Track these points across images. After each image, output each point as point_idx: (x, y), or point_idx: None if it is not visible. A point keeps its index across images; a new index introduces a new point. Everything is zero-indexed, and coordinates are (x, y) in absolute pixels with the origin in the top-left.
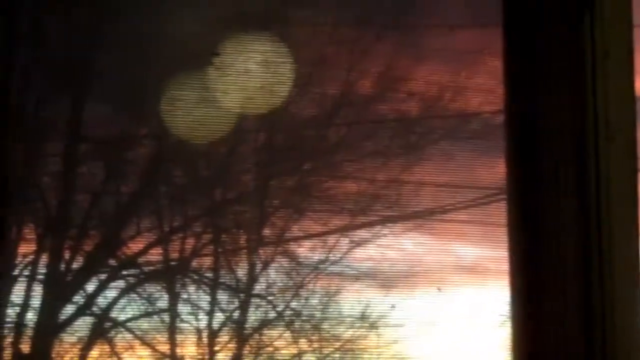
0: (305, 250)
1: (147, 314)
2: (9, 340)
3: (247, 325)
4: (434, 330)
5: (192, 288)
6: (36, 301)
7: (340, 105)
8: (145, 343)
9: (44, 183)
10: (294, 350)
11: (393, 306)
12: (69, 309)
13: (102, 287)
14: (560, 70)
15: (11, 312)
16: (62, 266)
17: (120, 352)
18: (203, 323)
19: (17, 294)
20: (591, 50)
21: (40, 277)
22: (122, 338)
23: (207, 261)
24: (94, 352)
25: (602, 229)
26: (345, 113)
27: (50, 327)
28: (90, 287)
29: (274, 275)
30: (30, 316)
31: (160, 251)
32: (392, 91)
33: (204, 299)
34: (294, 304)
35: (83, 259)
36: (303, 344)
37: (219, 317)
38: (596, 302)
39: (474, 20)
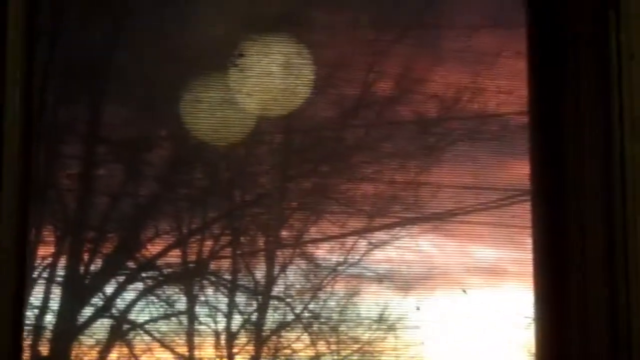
0: (323, 252)
1: (165, 316)
2: (28, 342)
3: (265, 328)
4: (453, 332)
5: (210, 290)
6: (55, 303)
7: (359, 106)
8: (163, 345)
9: (63, 185)
10: (311, 353)
11: (418, 308)
12: (88, 311)
13: (120, 289)
14: (585, 71)
15: (30, 315)
16: (81, 268)
17: (138, 354)
18: (221, 325)
19: (36, 296)
20: (616, 51)
21: (59, 279)
22: (140, 340)
23: (226, 263)
24: (113, 355)
25: (627, 230)
26: (364, 114)
27: (69, 330)
28: (109, 289)
29: (292, 277)
30: (49, 318)
31: (179, 253)
32: (411, 92)
33: (222, 301)
34: (312, 306)
35: (102, 261)
36: (321, 346)
37: (237, 319)
38: (621, 303)
39: (494, 21)
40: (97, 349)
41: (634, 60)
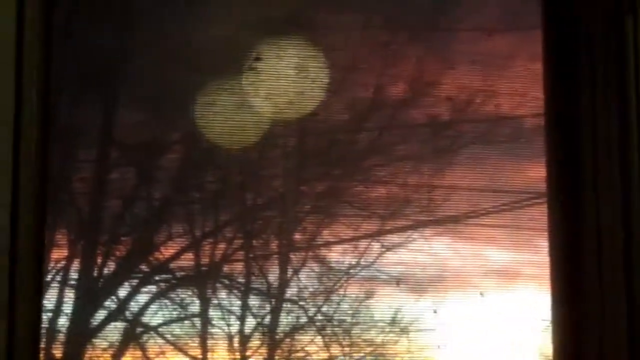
0: (336, 255)
1: (178, 319)
2: (41, 346)
3: (278, 330)
4: (468, 335)
5: (223, 293)
6: (68, 307)
7: (372, 109)
8: (177, 348)
9: (76, 188)
10: (325, 355)
11: (435, 311)
12: (101, 315)
13: (134, 292)
14: (601, 72)
15: (44, 318)
16: (94, 272)
17: (152, 357)
18: (234, 328)
19: (49, 299)
20: (634, 53)
21: (73, 282)
22: (154, 343)
23: (239, 266)
24: (126, 358)
25: None
26: (377, 117)
27: (82, 333)
28: (122, 292)
29: (305, 280)
30: (63, 322)
31: (192, 256)
32: (424, 95)
33: (235, 304)
34: (325, 309)
35: (115, 265)
36: (334, 348)
37: (251, 322)
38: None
39: (508, 23)
40: (110, 352)
41: None
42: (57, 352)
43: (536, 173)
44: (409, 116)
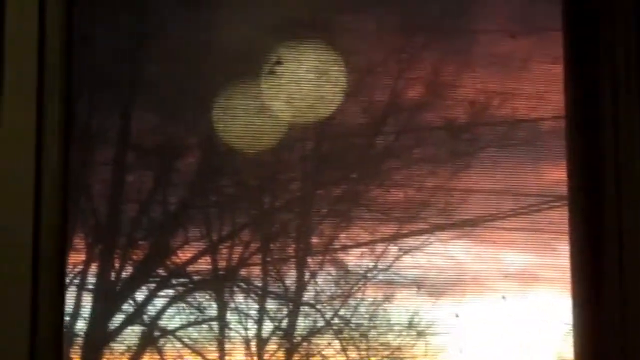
0: (353, 259)
1: (196, 323)
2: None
3: (295, 334)
4: (487, 339)
5: (240, 297)
6: (86, 310)
7: (389, 112)
8: (194, 352)
9: (93, 192)
10: (342, 359)
11: (457, 315)
12: (119, 318)
13: (151, 296)
14: (623, 75)
15: None
16: (112, 275)
17: None
18: (252, 332)
19: (67, 303)
20: None
21: (90, 286)
22: (171, 347)
23: (256, 270)
24: None
25: None
26: (394, 120)
27: (100, 336)
28: (140, 296)
29: (322, 284)
30: (80, 325)
31: (209, 260)
32: (441, 98)
33: (252, 308)
34: (342, 312)
35: (132, 268)
36: (352, 352)
37: (268, 325)
38: None
39: (525, 25)
40: (128, 355)
41: None
42: (75, 355)
43: (553, 176)
44: (426, 119)
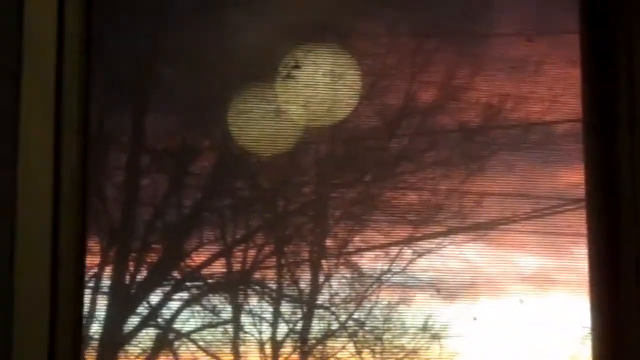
0: (367, 261)
1: (210, 326)
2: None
3: (310, 337)
4: (503, 342)
5: (255, 299)
6: (101, 313)
7: (402, 115)
8: (209, 354)
9: (108, 195)
10: None
11: (475, 318)
12: (134, 321)
13: (166, 298)
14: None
15: None
16: (127, 278)
17: None
18: (266, 334)
19: None
20: None
21: (105, 289)
22: (186, 349)
23: (270, 272)
24: None
25: None
26: (408, 123)
27: (115, 339)
28: (155, 298)
29: (336, 286)
30: (95, 328)
31: (224, 263)
32: (454, 101)
33: (267, 310)
34: (356, 315)
35: (147, 271)
36: (366, 354)
37: (282, 328)
38: None
39: (540, 28)
40: (143, 358)
41: None
42: (91, 358)
43: (567, 179)
44: (439, 122)
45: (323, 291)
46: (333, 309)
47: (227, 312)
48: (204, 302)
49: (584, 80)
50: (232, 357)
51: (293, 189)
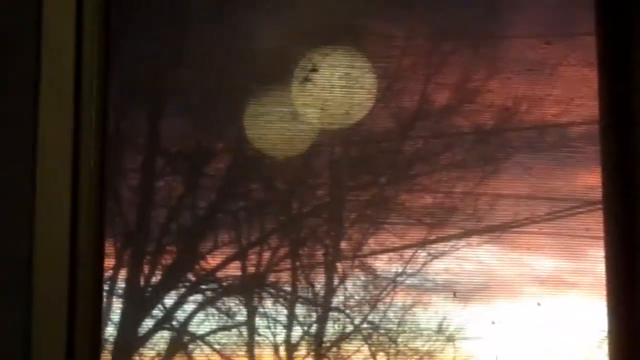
0: (382, 264)
1: (225, 328)
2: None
3: (324, 339)
4: (520, 345)
5: (269, 302)
6: (116, 316)
7: (417, 117)
8: (223, 357)
9: (122, 197)
10: None
11: (493, 322)
12: (149, 323)
13: (180, 301)
14: None
15: None
16: (141, 281)
17: None
18: (281, 337)
19: None
20: None
21: (120, 291)
22: (200, 352)
23: (285, 275)
24: None
25: None
26: (422, 125)
27: (130, 342)
28: (169, 301)
29: (351, 289)
30: (110, 331)
31: (238, 265)
32: (469, 103)
33: (281, 313)
34: (371, 317)
35: (162, 274)
36: (381, 357)
37: (297, 330)
38: None
39: (555, 30)
40: None
41: None
42: None
43: (583, 181)
44: (454, 124)
45: (338, 294)
46: (348, 311)
47: (241, 315)
48: (218, 305)
49: (600, 82)
50: None
51: (308, 191)
